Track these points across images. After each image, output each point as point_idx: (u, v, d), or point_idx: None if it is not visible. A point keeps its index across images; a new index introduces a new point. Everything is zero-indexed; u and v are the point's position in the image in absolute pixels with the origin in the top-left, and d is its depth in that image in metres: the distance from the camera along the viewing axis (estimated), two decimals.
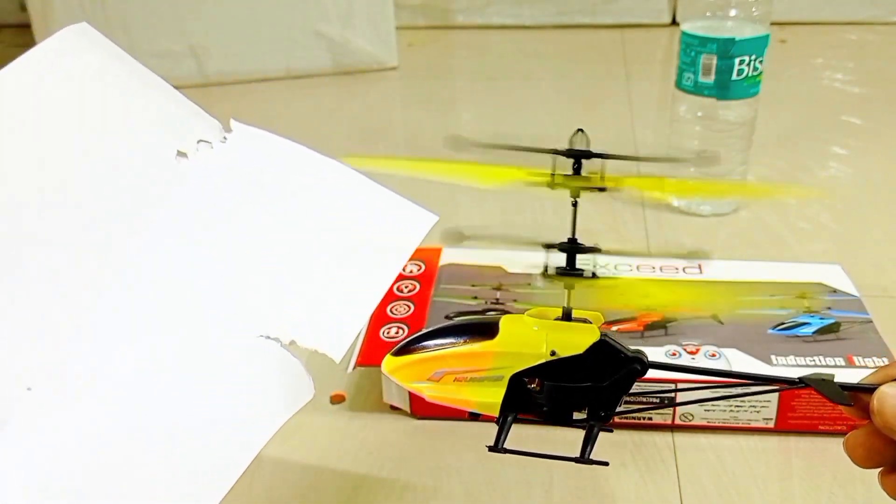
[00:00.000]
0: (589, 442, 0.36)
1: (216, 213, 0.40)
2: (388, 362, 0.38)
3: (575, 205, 0.34)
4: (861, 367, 0.56)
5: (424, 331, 0.38)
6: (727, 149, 0.82)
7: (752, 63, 0.78)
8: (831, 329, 0.60)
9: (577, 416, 0.35)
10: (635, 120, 1.11)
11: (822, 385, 0.34)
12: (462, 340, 0.36)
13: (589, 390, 0.35)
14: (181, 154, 0.41)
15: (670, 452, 0.55)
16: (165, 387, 0.34)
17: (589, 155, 0.33)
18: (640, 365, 0.35)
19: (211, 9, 1.27)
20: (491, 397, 0.36)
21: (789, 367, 0.56)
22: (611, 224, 0.83)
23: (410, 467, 0.55)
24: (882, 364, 0.55)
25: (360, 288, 0.40)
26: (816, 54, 1.36)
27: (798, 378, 0.35)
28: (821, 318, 0.61)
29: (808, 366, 0.56)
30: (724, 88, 0.78)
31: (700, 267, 0.68)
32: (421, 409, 0.59)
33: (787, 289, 0.64)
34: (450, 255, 0.70)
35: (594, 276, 0.35)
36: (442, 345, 0.36)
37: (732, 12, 0.77)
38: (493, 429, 0.58)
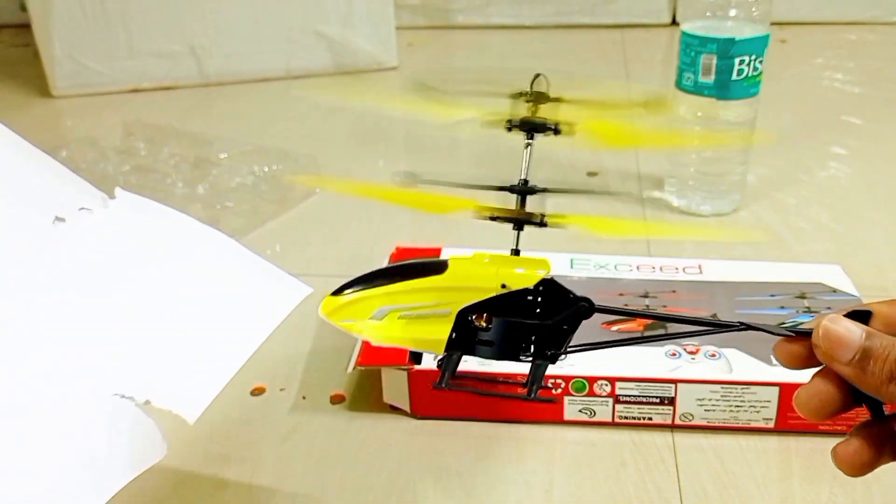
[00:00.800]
0: (536, 380, 0.34)
1: (87, 276, 0.41)
2: (327, 303, 0.36)
3: (528, 146, 0.35)
4: None
5: (369, 271, 0.36)
6: (727, 149, 0.82)
7: (752, 63, 0.78)
8: None
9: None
10: (635, 120, 1.11)
11: (763, 326, 0.34)
12: (409, 274, 0.35)
13: (537, 328, 0.34)
14: (59, 220, 0.42)
15: (670, 452, 0.55)
16: (15, 438, 0.34)
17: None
18: (587, 303, 0.34)
19: (211, 9, 1.27)
20: (437, 334, 0.34)
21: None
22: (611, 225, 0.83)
23: (410, 467, 0.55)
24: None
25: (223, 354, 0.41)
26: (816, 54, 1.36)
27: (738, 321, 0.35)
28: None
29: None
30: (724, 88, 0.78)
31: (700, 267, 0.68)
32: (421, 408, 0.59)
33: (787, 289, 0.64)
34: (448, 254, 0.69)
35: (543, 221, 0.34)
36: (388, 280, 0.35)
37: (732, 12, 0.77)
38: (493, 429, 0.58)
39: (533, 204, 0.35)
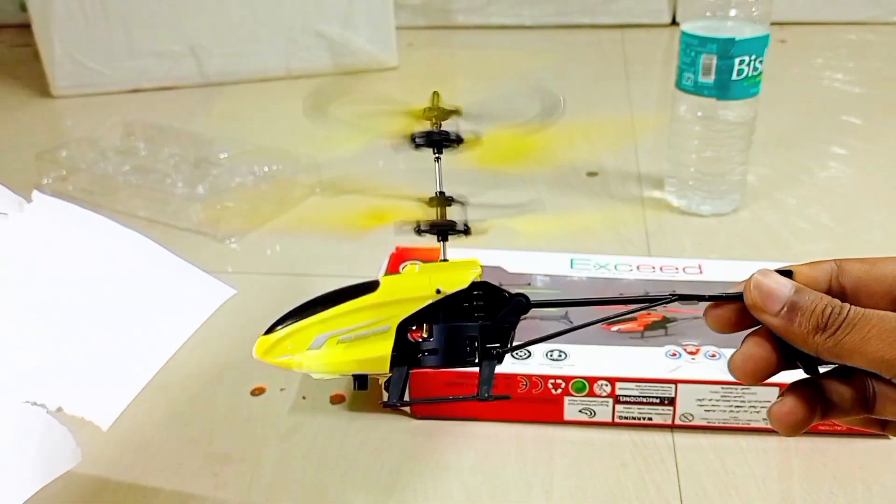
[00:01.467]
0: (486, 380, 0.34)
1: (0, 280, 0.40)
2: (261, 344, 0.35)
3: (437, 160, 0.35)
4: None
5: (297, 304, 0.36)
6: (727, 149, 0.82)
7: (752, 63, 0.78)
8: None
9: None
10: (635, 120, 1.11)
11: (693, 294, 0.35)
12: (341, 299, 0.34)
13: (478, 329, 0.34)
14: None
15: (670, 452, 0.55)
16: None
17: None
18: (524, 299, 0.34)
19: (211, 9, 1.27)
20: (379, 351, 0.33)
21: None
22: (611, 224, 0.83)
23: (410, 467, 0.55)
24: None
25: (139, 358, 0.40)
26: (816, 54, 1.36)
27: (671, 293, 0.35)
28: None
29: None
30: (724, 88, 0.78)
31: (700, 267, 0.68)
32: (421, 409, 0.59)
33: None
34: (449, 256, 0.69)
35: (466, 229, 0.35)
36: (320, 308, 0.35)
37: (732, 12, 0.77)
38: (493, 428, 0.58)
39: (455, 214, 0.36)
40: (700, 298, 0.34)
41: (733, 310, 0.35)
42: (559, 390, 0.56)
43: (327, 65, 1.33)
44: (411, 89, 1.31)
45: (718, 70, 0.78)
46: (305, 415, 0.60)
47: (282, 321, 0.35)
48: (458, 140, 0.35)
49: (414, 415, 0.59)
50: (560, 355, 0.58)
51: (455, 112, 0.34)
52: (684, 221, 0.84)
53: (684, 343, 0.59)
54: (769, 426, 0.55)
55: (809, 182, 0.93)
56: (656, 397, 0.56)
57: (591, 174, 0.96)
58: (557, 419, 0.57)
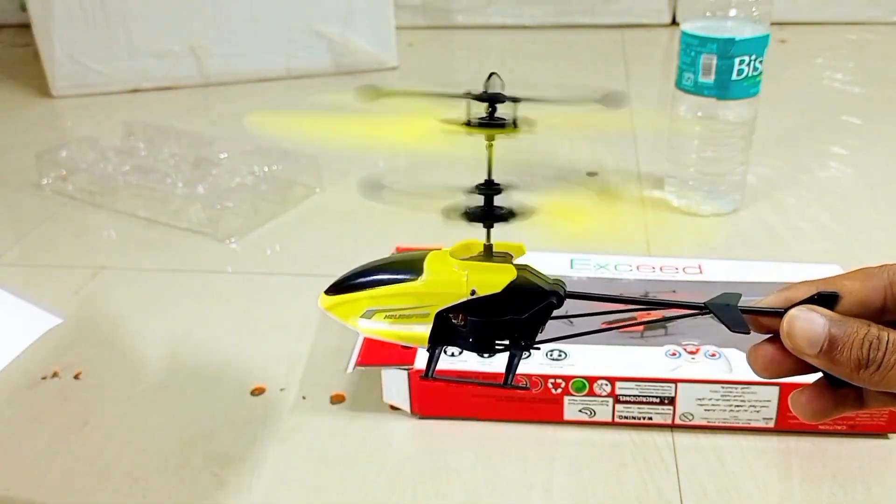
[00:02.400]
0: (511, 370, 0.37)
1: None
2: (324, 300, 0.39)
3: (490, 146, 0.37)
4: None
5: (355, 269, 0.39)
6: (727, 149, 0.82)
7: (752, 63, 0.78)
8: None
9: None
10: (635, 120, 1.11)
11: (722, 311, 0.34)
12: (389, 278, 0.37)
13: (509, 323, 0.36)
14: None
15: (670, 452, 0.55)
16: None
17: (502, 98, 0.35)
18: (556, 299, 0.36)
19: (211, 9, 1.27)
20: (419, 331, 0.37)
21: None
22: (611, 224, 0.83)
23: (410, 467, 0.55)
24: None
25: None
26: (816, 54, 1.36)
27: (703, 304, 0.35)
28: None
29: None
30: (724, 88, 0.78)
31: (700, 267, 0.68)
32: (421, 408, 0.59)
33: None
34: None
35: (511, 213, 0.36)
36: (371, 282, 0.38)
37: (732, 12, 0.77)
38: (493, 428, 0.58)
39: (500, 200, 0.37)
40: (729, 319, 0.34)
41: (776, 349, 0.32)
42: (559, 390, 0.56)
43: (327, 65, 1.33)
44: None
45: (718, 70, 0.78)
46: (305, 415, 0.60)
47: (341, 284, 0.38)
48: (515, 125, 0.35)
49: (414, 414, 0.59)
50: (560, 355, 0.58)
51: (513, 99, 0.35)
52: (684, 221, 0.84)
53: (684, 343, 0.59)
54: (769, 426, 0.56)
55: (809, 182, 0.93)
56: (656, 397, 0.56)
57: (591, 174, 0.96)
58: (557, 419, 0.57)
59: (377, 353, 0.58)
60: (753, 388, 0.55)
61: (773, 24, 0.79)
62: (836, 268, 0.65)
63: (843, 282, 0.32)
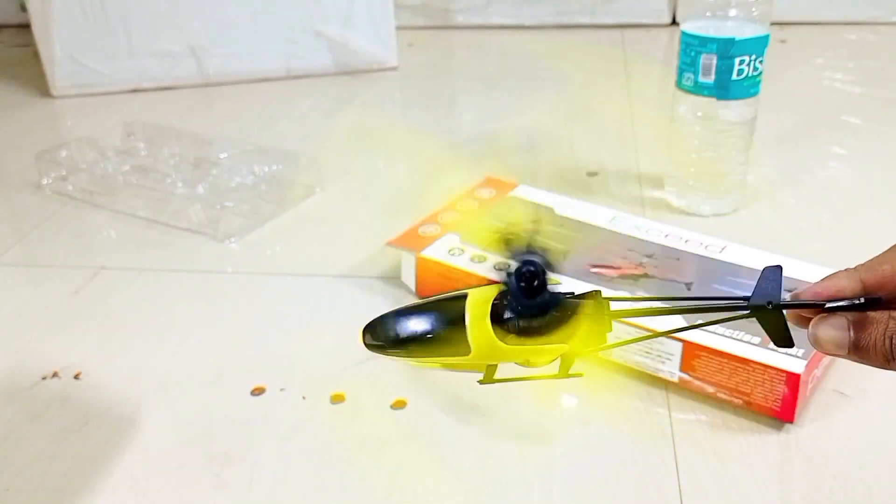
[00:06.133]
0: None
1: None
2: (366, 344, 0.38)
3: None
4: (772, 349, 0.56)
5: (394, 317, 0.36)
6: (727, 149, 0.82)
7: (752, 63, 0.78)
8: None
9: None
10: (635, 120, 1.11)
11: (764, 316, 0.33)
12: (436, 348, 0.35)
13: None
14: None
15: (670, 452, 0.55)
16: None
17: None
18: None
19: (211, 9, 1.27)
20: (472, 370, 0.36)
21: (705, 332, 0.58)
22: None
23: (410, 467, 0.55)
24: (794, 353, 0.56)
25: None
26: (816, 54, 1.36)
27: (746, 305, 0.33)
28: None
29: (723, 334, 0.58)
30: (724, 88, 0.78)
31: (722, 249, 0.70)
32: (424, 291, 0.69)
33: (784, 283, 0.64)
34: (518, 191, 0.81)
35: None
36: (416, 344, 0.35)
37: (732, 12, 0.77)
38: (493, 429, 0.58)
39: None
40: (774, 330, 0.33)
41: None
42: None
43: (327, 65, 1.33)
44: (411, 89, 1.32)
45: (718, 70, 0.78)
46: (305, 415, 0.60)
47: (386, 336, 0.36)
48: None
49: (418, 296, 0.69)
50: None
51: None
52: (684, 221, 0.84)
53: (639, 294, 0.63)
54: (674, 379, 0.58)
55: (809, 182, 0.93)
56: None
57: (591, 174, 0.96)
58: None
59: (408, 240, 0.72)
60: (662, 339, 0.59)
61: (773, 24, 0.79)
62: None
63: (883, 266, 0.32)
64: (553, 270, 0.31)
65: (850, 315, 0.31)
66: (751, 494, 0.51)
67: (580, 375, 0.34)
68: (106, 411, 0.61)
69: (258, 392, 0.62)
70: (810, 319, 0.33)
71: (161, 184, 0.90)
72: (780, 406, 0.56)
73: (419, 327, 0.35)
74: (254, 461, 0.56)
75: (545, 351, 0.33)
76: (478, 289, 0.34)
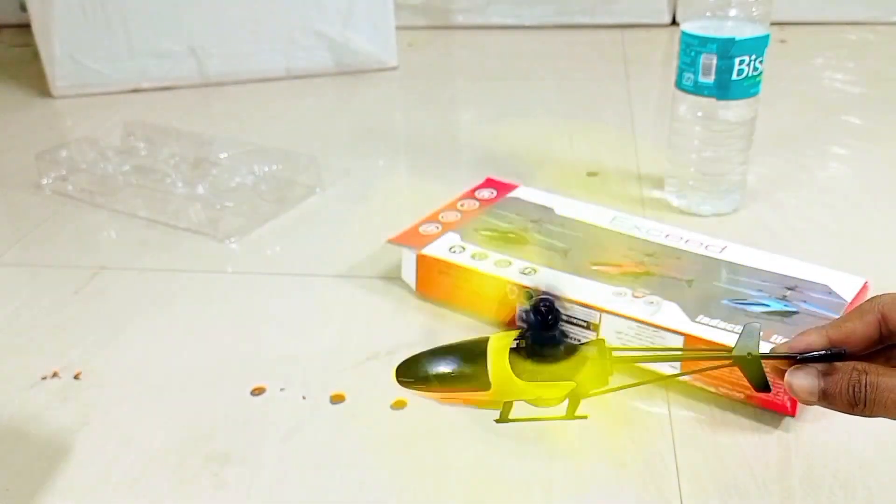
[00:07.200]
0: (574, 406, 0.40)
1: None
2: (399, 381, 0.41)
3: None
4: (771, 342, 0.57)
5: (426, 357, 0.40)
6: (727, 149, 0.82)
7: (752, 63, 0.78)
8: (783, 314, 0.62)
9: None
10: (635, 120, 1.11)
11: (746, 365, 0.37)
12: (460, 385, 0.39)
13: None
14: None
15: (670, 452, 0.55)
16: None
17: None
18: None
19: (211, 9, 1.27)
20: (490, 407, 0.40)
21: (705, 326, 0.60)
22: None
23: (410, 467, 0.55)
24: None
25: None
26: (816, 54, 1.36)
27: (728, 356, 0.37)
28: (784, 304, 0.63)
29: (723, 328, 0.59)
30: (724, 88, 0.78)
31: (722, 248, 0.70)
32: (424, 289, 0.71)
33: (784, 280, 0.65)
34: (519, 192, 0.81)
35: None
36: (443, 383, 0.40)
37: (732, 12, 0.77)
38: (493, 428, 0.58)
39: None
40: (753, 375, 0.37)
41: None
42: (513, 296, 0.66)
43: (327, 65, 1.33)
44: (411, 89, 1.32)
45: (718, 70, 0.78)
46: (305, 415, 0.60)
47: (417, 374, 0.40)
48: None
49: (417, 293, 0.71)
50: (530, 272, 0.67)
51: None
52: (684, 221, 0.84)
53: (639, 290, 0.64)
54: (674, 371, 0.58)
55: (809, 182, 0.93)
56: (583, 320, 0.63)
57: (592, 174, 0.96)
58: (512, 321, 0.67)
59: (409, 238, 0.73)
60: (663, 332, 0.60)
61: (773, 24, 0.79)
62: (859, 280, 0.65)
63: (846, 324, 0.37)
64: (565, 310, 0.36)
65: (820, 366, 0.36)
66: (751, 494, 0.51)
67: (585, 417, 0.38)
68: (106, 411, 0.61)
69: (258, 392, 0.62)
70: (784, 372, 0.37)
71: (161, 184, 0.90)
72: (781, 400, 0.56)
73: (447, 365, 0.39)
74: (254, 461, 0.56)
75: (554, 387, 0.37)
76: (499, 333, 0.39)
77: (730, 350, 0.37)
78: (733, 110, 0.80)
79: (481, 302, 0.68)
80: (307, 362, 0.65)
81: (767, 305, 0.63)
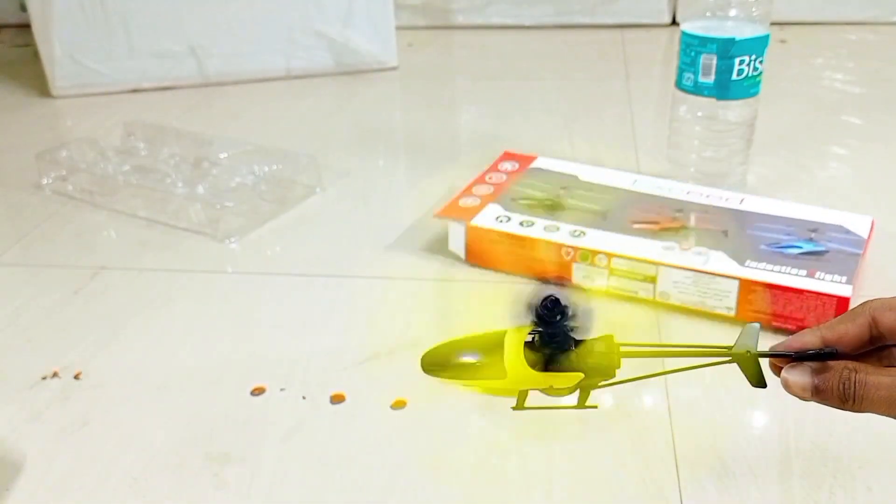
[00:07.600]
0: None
1: None
2: (425, 368, 0.43)
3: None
4: (818, 279, 0.65)
5: (447, 350, 0.43)
6: (727, 149, 0.82)
7: (752, 63, 0.78)
8: (818, 254, 0.68)
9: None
10: (635, 120, 1.11)
11: (744, 362, 0.38)
12: (479, 374, 0.41)
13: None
14: None
15: (670, 452, 0.55)
16: None
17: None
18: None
19: (211, 9, 1.27)
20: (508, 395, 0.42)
21: (756, 270, 0.66)
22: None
23: (410, 467, 0.55)
24: (837, 280, 0.65)
25: None
26: (816, 54, 1.36)
27: (727, 353, 0.39)
28: (814, 245, 0.70)
29: (773, 270, 0.66)
30: (724, 88, 0.78)
31: (741, 200, 0.76)
32: (473, 258, 0.75)
33: (805, 224, 0.72)
34: (539, 163, 0.86)
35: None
36: (464, 371, 0.42)
37: (732, 12, 0.77)
38: (493, 428, 0.58)
39: None
40: (750, 372, 0.39)
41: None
42: (569, 257, 0.71)
43: (327, 65, 1.33)
44: (411, 89, 1.32)
45: (718, 70, 0.78)
46: (305, 415, 0.60)
47: (440, 363, 0.42)
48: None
49: (468, 262, 0.76)
50: (579, 234, 0.72)
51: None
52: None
53: (685, 243, 0.69)
54: (731, 314, 0.66)
55: (809, 182, 0.93)
56: (642, 274, 0.68)
57: None
58: (568, 279, 0.72)
59: (453, 211, 0.77)
60: (718, 279, 0.66)
61: (773, 24, 0.79)
62: (867, 218, 0.74)
63: (839, 326, 0.38)
64: (571, 306, 0.38)
65: (813, 364, 0.37)
66: (751, 494, 0.51)
67: (595, 407, 0.40)
68: (106, 411, 0.61)
69: (258, 392, 0.62)
70: (781, 368, 0.38)
71: (161, 184, 0.90)
72: None
73: (467, 355, 0.42)
74: (254, 461, 0.56)
75: (564, 378, 0.39)
76: (515, 327, 0.41)
77: (730, 348, 0.39)
78: (733, 110, 0.80)
79: (538, 265, 0.73)
80: (307, 362, 0.65)
81: (800, 247, 0.69)
